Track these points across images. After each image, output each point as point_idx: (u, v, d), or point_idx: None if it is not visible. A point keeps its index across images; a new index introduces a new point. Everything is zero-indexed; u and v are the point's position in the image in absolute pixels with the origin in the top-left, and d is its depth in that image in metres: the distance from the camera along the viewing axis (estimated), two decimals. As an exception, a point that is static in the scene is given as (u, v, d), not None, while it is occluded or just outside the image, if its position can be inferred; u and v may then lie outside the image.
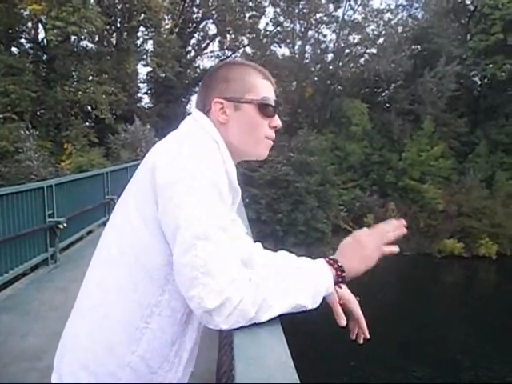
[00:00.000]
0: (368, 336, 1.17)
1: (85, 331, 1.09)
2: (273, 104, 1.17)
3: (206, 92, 1.17)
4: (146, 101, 25.79)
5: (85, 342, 1.08)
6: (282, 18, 26.68)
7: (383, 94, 26.82)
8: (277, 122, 1.18)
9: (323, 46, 26.23)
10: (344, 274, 1.13)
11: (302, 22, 26.18)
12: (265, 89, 1.17)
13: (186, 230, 0.95)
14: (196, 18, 26.98)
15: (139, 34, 23.57)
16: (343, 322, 1.13)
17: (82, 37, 19.17)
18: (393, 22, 25.86)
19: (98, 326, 1.07)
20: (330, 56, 26.54)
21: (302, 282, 1.04)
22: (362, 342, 1.18)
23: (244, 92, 1.14)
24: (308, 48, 26.69)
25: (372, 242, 1.17)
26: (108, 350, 1.05)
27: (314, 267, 1.11)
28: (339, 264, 1.13)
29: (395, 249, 1.19)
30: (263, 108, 1.15)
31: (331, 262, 1.13)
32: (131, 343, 1.04)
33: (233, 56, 26.48)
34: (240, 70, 1.17)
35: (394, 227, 1.19)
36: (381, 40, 25.52)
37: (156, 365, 1.07)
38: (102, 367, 1.05)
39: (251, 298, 0.95)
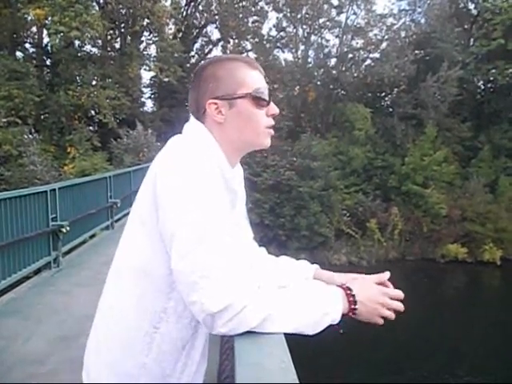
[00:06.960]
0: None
1: (104, 335, 1.15)
2: (265, 93, 1.14)
3: (198, 94, 1.14)
4: (149, 105, 25.92)
5: (104, 345, 1.14)
6: (284, 23, 26.77)
7: (386, 99, 26.76)
8: (274, 109, 1.17)
9: (326, 50, 26.25)
10: (356, 312, 1.07)
11: (304, 26, 26.24)
12: (255, 80, 1.14)
13: (182, 237, 0.95)
14: (199, 23, 27.10)
15: (142, 38, 23.73)
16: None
17: (86, 41, 19.29)
18: (396, 27, 25.82)
19: (114, 331, 1.12)
20: (332, 61, 26.53)
21: (312, 308, 1.00)
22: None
23: (235, 88, 1.11)
24: (311, 53, 26.71)
25: (376, 287, 1.13)
26: (125, 353, 1.10)
27: (328, 295, 1.05)
28: (355, 299, 1.07)
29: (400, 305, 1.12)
30: (257, 99, 1.13)
31: (347, 291, 1.08)
32: (143, 347, 1.09)
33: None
34: (227, 66, 1.13)
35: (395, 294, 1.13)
36: (384, 45, 25.49)
37: (169, 367, 1.10)
38: (121, 368, 1.10)
39: (255, 308, 0.93)
